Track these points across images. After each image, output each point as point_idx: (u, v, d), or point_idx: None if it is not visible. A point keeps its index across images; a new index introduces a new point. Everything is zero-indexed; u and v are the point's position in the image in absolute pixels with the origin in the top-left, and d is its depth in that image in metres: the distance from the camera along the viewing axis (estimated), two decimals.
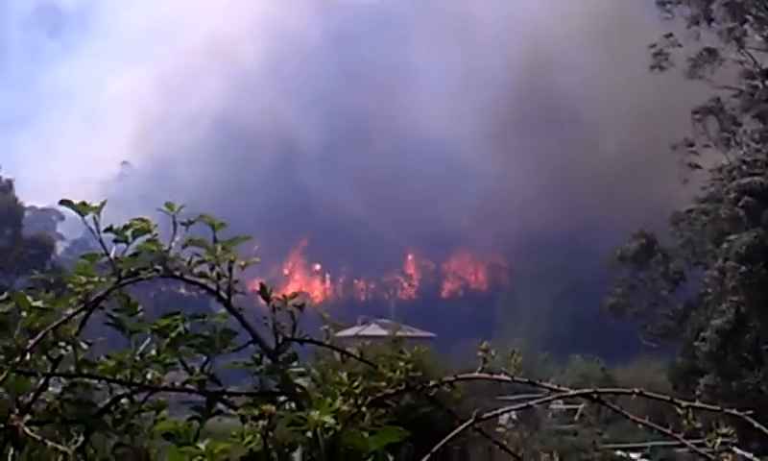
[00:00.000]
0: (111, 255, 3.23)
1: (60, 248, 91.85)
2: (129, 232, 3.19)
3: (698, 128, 61.65)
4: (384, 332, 59.52)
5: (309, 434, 2.86)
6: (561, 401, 65.02)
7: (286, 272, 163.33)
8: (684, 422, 2.92)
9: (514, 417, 62.83)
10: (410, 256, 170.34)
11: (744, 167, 54.63)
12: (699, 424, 2.99)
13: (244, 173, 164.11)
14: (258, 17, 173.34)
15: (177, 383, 3.36)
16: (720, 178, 57.48)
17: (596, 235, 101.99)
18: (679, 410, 2.95)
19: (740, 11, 61.16)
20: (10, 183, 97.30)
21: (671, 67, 63.04)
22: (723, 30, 61.38)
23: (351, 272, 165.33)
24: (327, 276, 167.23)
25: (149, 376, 3.26)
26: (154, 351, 3.26)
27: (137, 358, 3.31)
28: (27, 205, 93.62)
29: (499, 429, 3.10)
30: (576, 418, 64.55)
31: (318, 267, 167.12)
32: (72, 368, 3.30)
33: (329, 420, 2.85)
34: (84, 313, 3.23)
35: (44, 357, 3.26)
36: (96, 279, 3.19)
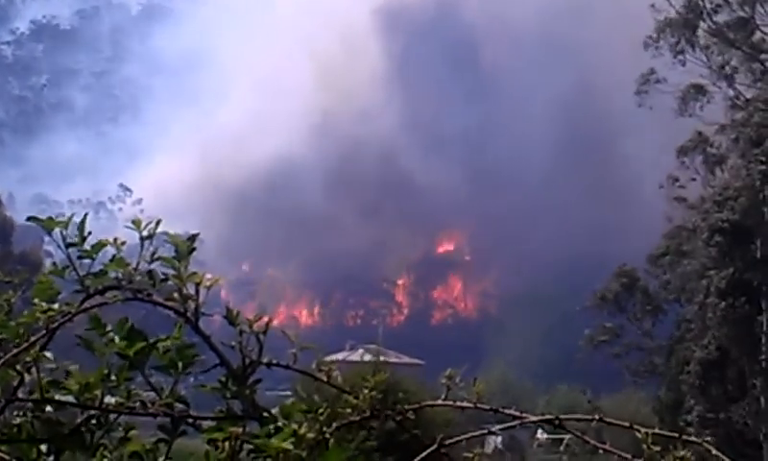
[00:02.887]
0: (80, 272, 3.23)
1: (48, 264, 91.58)
2: (88, 246, 3.19)
3: (685, 164, 62.04)
4: (371, 358, 59.45)
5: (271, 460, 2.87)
6: (545, 432, 65.11)
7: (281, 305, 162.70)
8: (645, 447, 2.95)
9: (500, 446, 62.92)
10: (400, 283, 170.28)
11: (716, 206, 54.96)
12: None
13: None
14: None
15: (150, 403, 3.36)
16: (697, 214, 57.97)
17: (588, 266, 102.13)
18: (638, 435, 2.99)
19: (729, 45, 61.63)
20: None
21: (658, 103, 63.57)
22: (713, 66, 61.85)
23: (342, 298, 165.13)
24: (317, 302, 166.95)
25: (113, 400, 3.26)
26: (113, 376, 3.26)
27: (106, 380, 3.30)
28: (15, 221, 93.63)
29: (467, 455, 3.10)
30: (562, 448, 64.55)
31: (309, 293, 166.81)
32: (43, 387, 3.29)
33: (289, 446, 2.85)
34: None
35: (10, 371, 3.25)
36: (57, 306, 3.19)
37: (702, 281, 54.14)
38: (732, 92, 62.23)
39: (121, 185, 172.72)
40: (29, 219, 3.32)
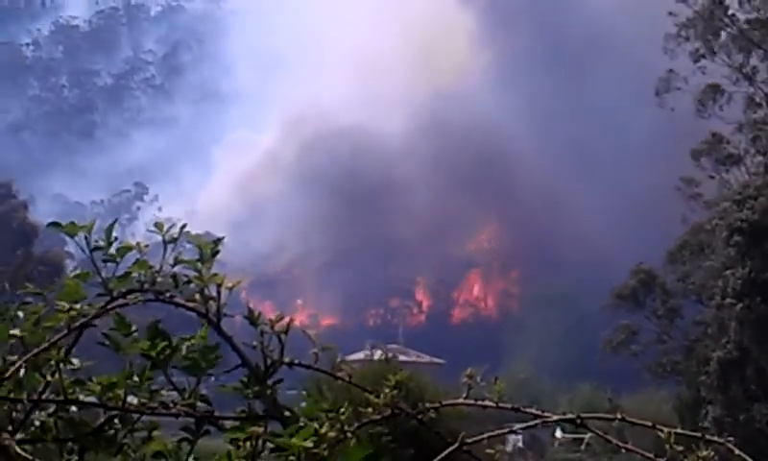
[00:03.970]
0: (104, 275, 3.26)
1: (69, 266, 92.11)
2: (114, 251, 3.22)
3: (700, 164, 61.90)
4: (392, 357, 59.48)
5: (293, 459, 2.89)
6: (566, 431, 64.96)
7: (299, 301, 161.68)
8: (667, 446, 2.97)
9: (520, 444, 62.80)
10: (420, 282, 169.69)
11: (735, 206, 54.72)
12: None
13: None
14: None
15: (173, 403, 3.38)
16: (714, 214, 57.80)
17: (608, 265, 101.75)
18: (660, 435, 3.01)
19: (749, 44, 61.37)
20: (24, 204, 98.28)
21: (678, 103, 63.42)
22: (734, 64, 61.59)
23: (362, 297, 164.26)
24: (338, 301, 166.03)
25: (135, 400, 3.28)
26: (136, 377, 3.28)
27: (129, 381, 3.33)
28: (38, 223, 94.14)
29: (488, 452, 3.11)
30: (582, 447, 64.39)
31: (330, 293, 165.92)
32: (65, 388, 3.31)
33: (310, 445, 2.87)
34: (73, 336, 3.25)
35: (36, 374, 3.27)
36: (79, 307, 3.21)
37: (719, 282, 53.97)
38: (751, 90, 62.02)
39: (137, 184, 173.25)
40: (49, 226, 3.34)
